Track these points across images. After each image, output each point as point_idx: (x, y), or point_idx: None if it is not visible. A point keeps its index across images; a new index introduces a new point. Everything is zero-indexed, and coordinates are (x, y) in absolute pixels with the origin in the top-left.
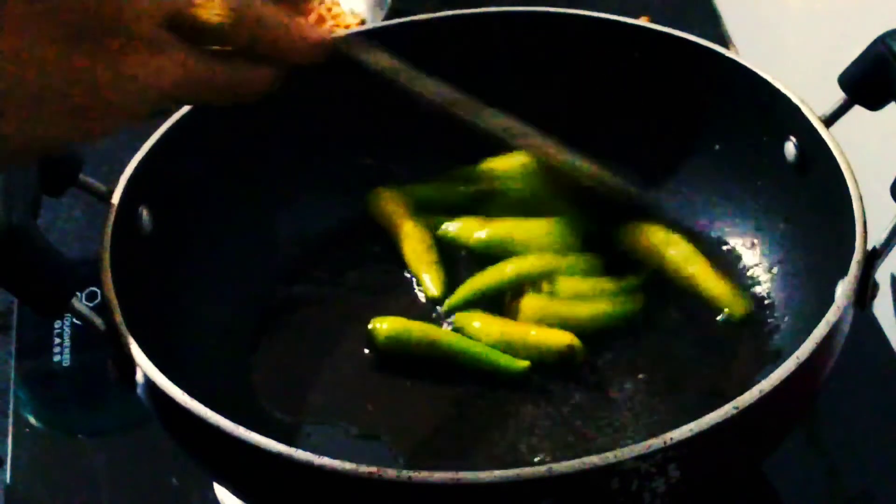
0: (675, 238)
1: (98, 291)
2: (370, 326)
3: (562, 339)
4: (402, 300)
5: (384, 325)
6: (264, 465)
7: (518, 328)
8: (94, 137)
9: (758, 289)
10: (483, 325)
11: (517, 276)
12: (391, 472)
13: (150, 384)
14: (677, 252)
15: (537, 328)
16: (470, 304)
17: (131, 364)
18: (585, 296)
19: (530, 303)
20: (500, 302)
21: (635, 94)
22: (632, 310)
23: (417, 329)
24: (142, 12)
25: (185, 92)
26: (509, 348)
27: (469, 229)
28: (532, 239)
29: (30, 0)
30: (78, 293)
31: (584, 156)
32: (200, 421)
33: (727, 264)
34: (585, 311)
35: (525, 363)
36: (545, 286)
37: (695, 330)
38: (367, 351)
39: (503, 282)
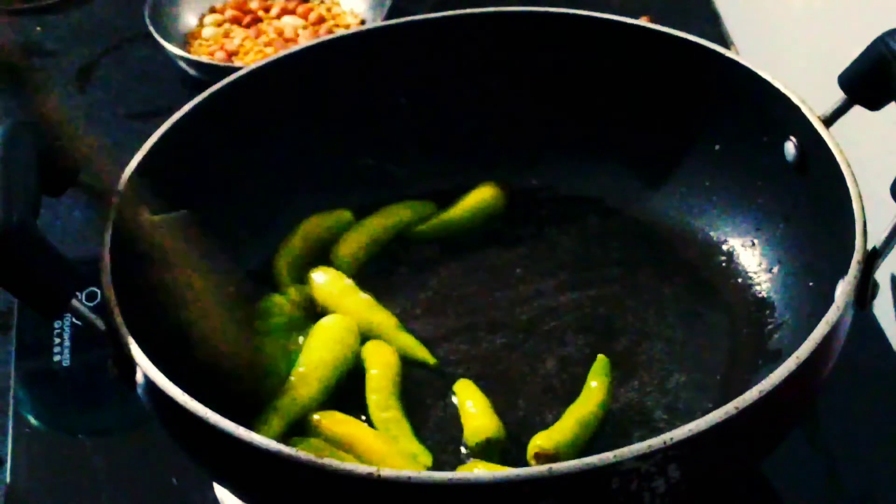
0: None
1: (98, 291)
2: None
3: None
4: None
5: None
6: (264, 465)
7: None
8: None
9: (758, 289)
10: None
11: None
12: (391, 473)
13: (150, 384)
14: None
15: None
16: None
17: (131, 364)
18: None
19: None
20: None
21: (635, 94)
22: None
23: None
24: None
25: None
26: None
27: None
28: None
29: None
30: (78, 293)
31: None
32: (200, 421)
33: (727, 264)
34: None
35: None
36: None
37: (694, 331)
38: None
39: None
